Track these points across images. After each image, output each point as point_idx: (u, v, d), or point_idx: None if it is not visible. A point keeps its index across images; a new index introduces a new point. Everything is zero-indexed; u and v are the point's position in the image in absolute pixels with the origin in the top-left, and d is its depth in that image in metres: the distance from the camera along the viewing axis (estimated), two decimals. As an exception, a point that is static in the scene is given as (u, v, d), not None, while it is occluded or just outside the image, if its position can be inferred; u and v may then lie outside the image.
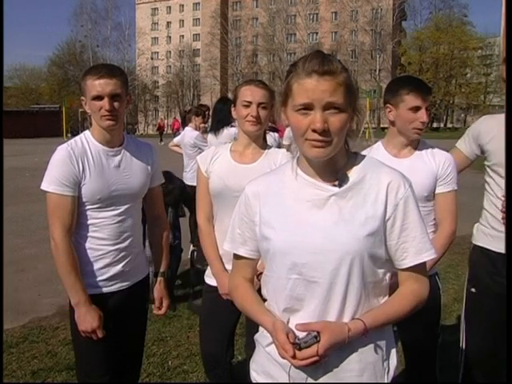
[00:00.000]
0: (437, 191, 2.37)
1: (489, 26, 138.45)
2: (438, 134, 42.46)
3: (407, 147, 2.42)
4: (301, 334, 1.34)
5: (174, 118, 49.45)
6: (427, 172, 2.35)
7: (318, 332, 1.31)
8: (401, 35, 61.34)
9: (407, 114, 2.32)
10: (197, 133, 6.32)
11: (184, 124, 6.67)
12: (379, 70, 57.75)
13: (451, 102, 60.06)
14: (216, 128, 5.54)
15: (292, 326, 1.38)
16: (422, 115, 2.31)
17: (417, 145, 2.44)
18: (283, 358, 1.34)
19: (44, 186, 2.10)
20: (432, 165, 2.37)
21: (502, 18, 58.35)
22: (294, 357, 1.31)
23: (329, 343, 1.30)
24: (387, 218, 1.37)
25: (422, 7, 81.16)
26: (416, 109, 2.31)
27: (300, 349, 1.31)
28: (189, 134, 6.19)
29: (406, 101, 2.31)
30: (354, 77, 1.45)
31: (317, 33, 68.37)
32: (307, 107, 1.31)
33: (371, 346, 1.40)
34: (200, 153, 5.95)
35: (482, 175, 2.53)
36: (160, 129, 37.92)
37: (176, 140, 6.64)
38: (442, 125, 60.43)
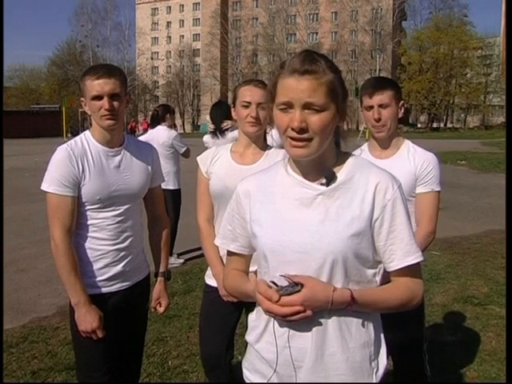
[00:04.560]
0: (416, 191, 2.39)
1: (489, 26, 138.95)
2: (438, 134, 42.51)
3: (387, 148, 2.46)
4: (283, 284, 1.33)
5: (144, 118, 50.13)
6: (405, 172, 2.35)
7: (302, 284, 1.30)
8: (401, 35, 61.26)
9: (364, 113, 2.43)
10: (175, 132, 5.97)
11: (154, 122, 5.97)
12: (379, 70, 57.62)
13: (451, 102, 59.91)
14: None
15: (277, 318, 1.37)
16: (373, 113, 2.37)
17: (400, 145, 2.46)
18: (267, 310, 1.33)
19: (44, 187, 2.10)
20: (411, 165, 2.39)
21: (502, 17, 58.54)
22: (278, 303, 1.29)
23: (310, 294, 1.29)
24: (375, 219, 1.37)
25: (422, 7, 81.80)
26: (370, 108, 2.38)
27: (279, 295, 1.30)
28: (167, 133, 5.73)
29: (363, 102, 2.43)
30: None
31: (317, 33, 68.34)
32: (288, 105, 1.32)
33: (359, 344, 1.40)
34: (175, 154, 5.70)
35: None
36: (132, 129, 40.29)
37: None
38: (441, 125, 60.37)
